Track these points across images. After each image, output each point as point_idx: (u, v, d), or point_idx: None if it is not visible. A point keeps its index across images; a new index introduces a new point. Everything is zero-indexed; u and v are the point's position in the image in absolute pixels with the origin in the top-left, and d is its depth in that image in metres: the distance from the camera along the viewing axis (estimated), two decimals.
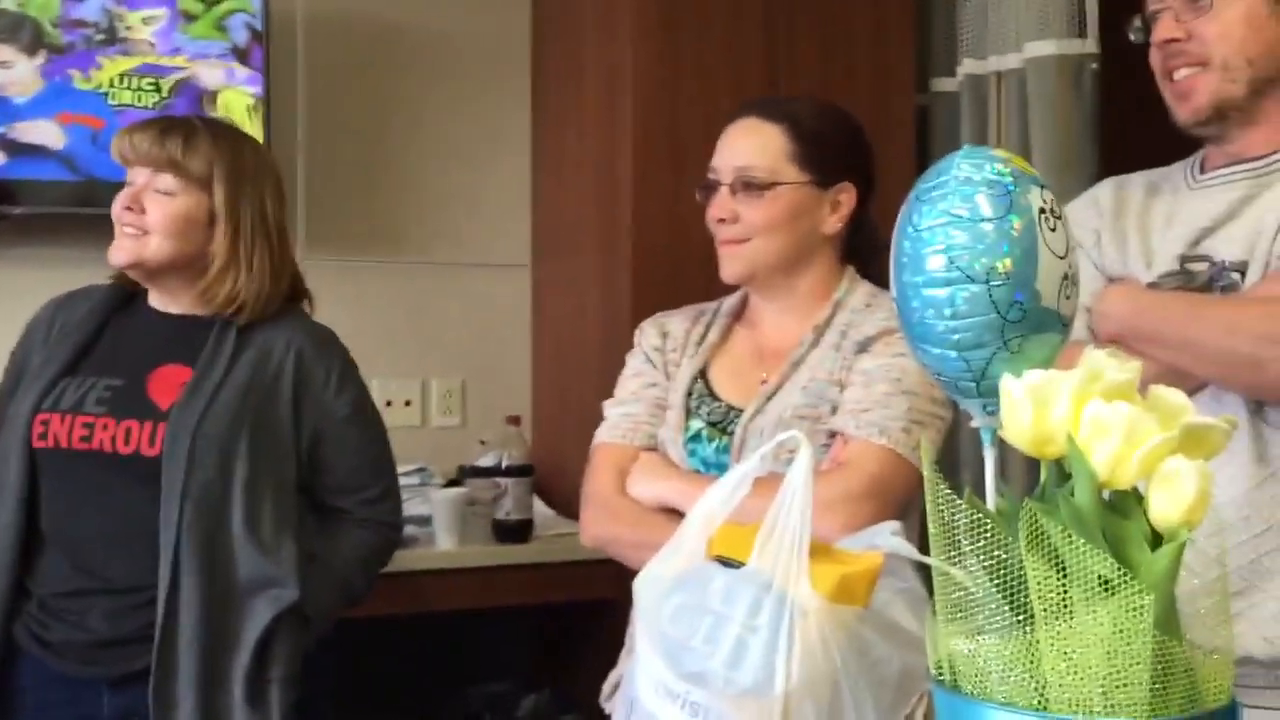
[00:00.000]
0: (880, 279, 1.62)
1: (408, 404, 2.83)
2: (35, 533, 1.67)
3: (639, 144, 2.57)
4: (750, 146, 1.61)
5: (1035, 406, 0.82)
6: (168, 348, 1.73)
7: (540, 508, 2.61)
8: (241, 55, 2.56)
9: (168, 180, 1.70)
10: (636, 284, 2.54)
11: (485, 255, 2.94)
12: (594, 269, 2.74)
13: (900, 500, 1.48)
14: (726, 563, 1.01)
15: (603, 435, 1.67)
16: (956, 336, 0.86)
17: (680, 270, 2.37)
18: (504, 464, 2.49)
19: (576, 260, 2.81)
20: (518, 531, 2.49)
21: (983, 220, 0.86)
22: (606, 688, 1.64)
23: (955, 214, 0.87)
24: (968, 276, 0.85)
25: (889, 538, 1.05)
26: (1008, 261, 0.84)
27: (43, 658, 1.65)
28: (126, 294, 1.80)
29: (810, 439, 1.04)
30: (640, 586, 1.07)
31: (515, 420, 2.56)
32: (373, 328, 2.71)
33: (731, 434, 1.57)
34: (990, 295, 0.85)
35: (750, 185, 1.59)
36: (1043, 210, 0.87)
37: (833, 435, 1.53)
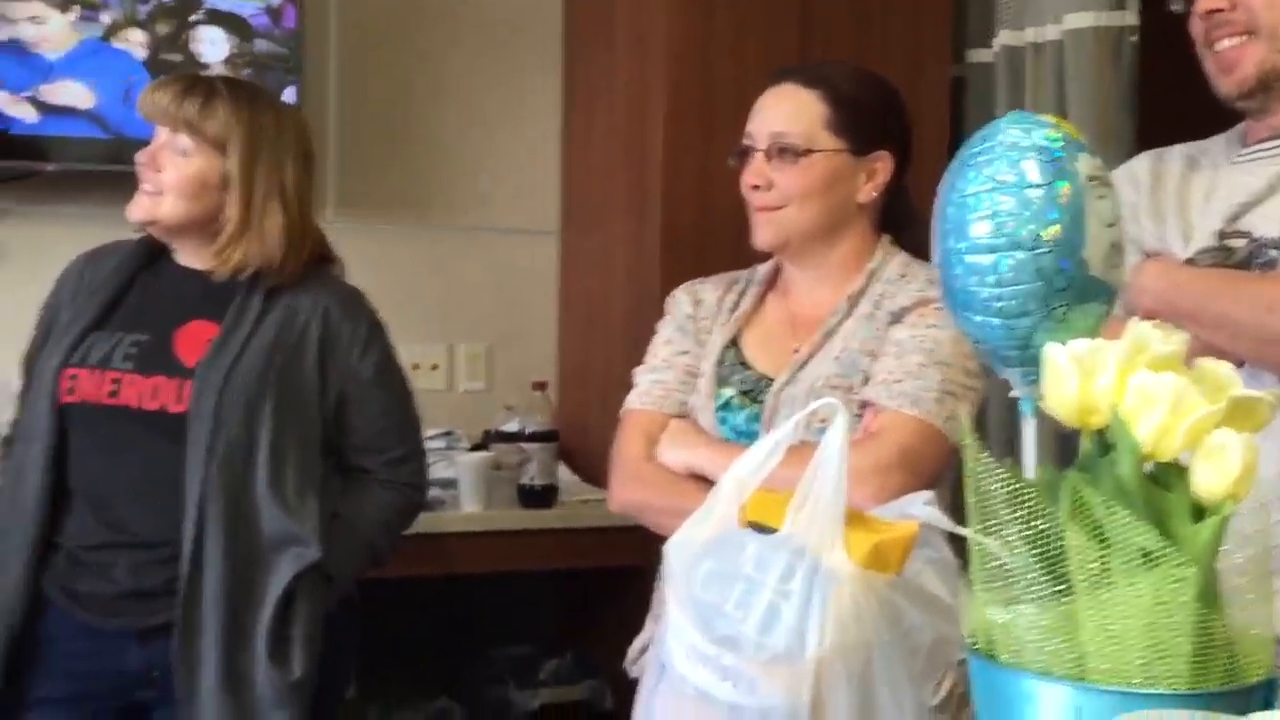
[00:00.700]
0: (916, 249, 1.61)
1: (434, 368, 2.84)
2: (63, 487, 1.68)
3: (670, 111, 2.56)
4: (787, 112, 1.59)
5: (1080, 375, 0.81)
6: (194, 304, 1.73)
7: (565, 473, 2.62)
8: (274, 15, 2.55)
9: (184, 141, 1.70)
10: (665, 251, 2.53)
11: (513, 221, 2.93)
12: (623, 236, 2.73)
13: (931, 472, 1.47)
14: (760, 529, 1.00)
15: (633, 401, 1.67)
16: (1000, 304, 0.86)
17: (710, 238, 2.36)
18: (529, 429, 2.49)
19: (605, 227, 2.80)
20: (542, 496, 2.50)
21: (1030, 186, 0.84)
22: (632, 652, 1.64)
23: (1002, 180, 0.85)
24: (1014, 243, 0.84)
25: (922, 508, 1.05)
26: (1055, 228, 0.83)
27: (70, 609, 1.66)
28: (154, 250, 1.80)
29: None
30: (672, 551, 1.06)
31: (541, 386, 2.56)
32: (400, 292, 2.70)
33: (762, 403, 1.57)
34: (1036, 263, 0.84)
35: (785, 151, 1.58)
36: (1091, 178, 0.85)
37: (864, 406, 1.52)
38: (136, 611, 1.65)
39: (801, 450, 1.06)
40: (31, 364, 1.76)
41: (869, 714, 0.93)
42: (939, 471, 1.49)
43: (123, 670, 1.66)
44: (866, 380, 1.53)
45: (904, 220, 1.63)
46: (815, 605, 0.93)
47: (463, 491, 2.46)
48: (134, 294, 1.76)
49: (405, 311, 2.62)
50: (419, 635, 2.66)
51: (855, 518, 0.99)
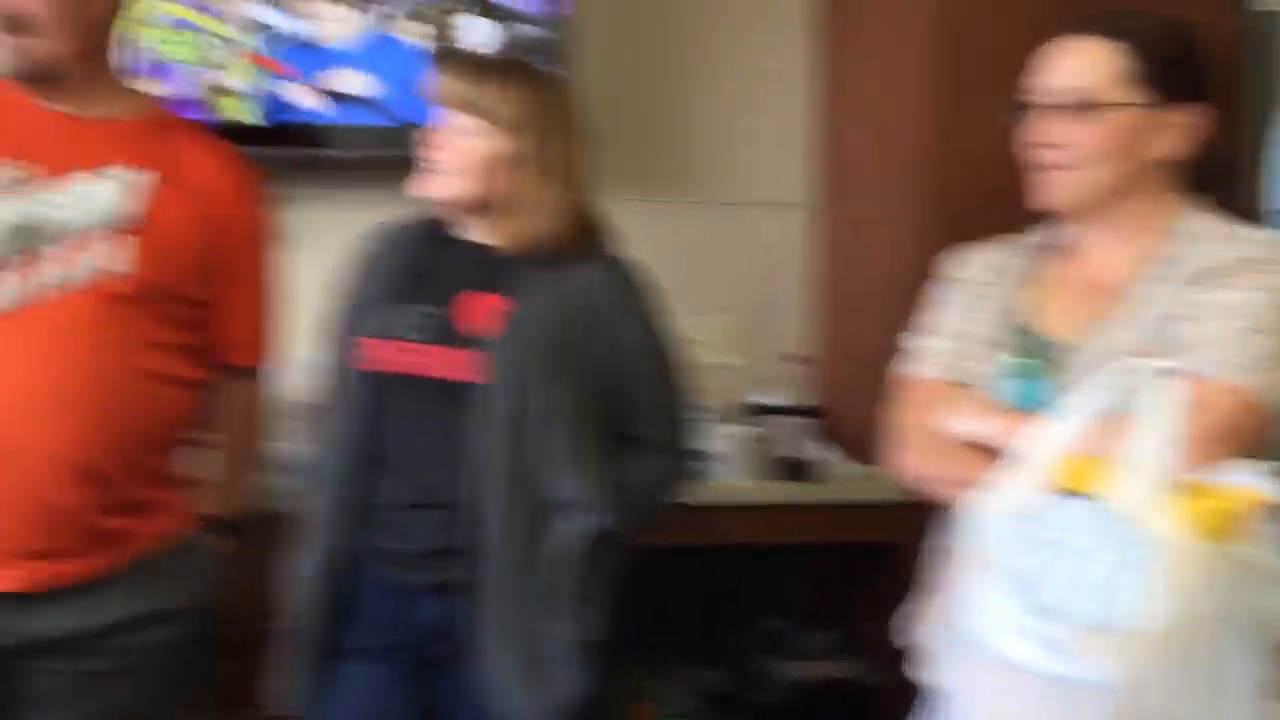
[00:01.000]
0: (1228, 208, 1.50)
1: (690, 342, 2.86)
2: (372, 451, 1.78)
3: (933, 76, 2.49)
4: (1081, 65, 1.51)
5: None
6: (480, 278, 1.80)
7: (824, 449, 2.60)
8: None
9: (471, 122, 1.77)
10: (928, 223, 2.47)
11: (766, 194, 2.94)
12: (881, 207, 2.68)
13: (1253, 445, 1.36)
14: (1078, 496, 0.97)
15: (911, 369, 1.63)
16: None
17: (974, 206, 2.28)
18: (790, 404, 2.49)
19: (864, 198, 2.76)
20: (801, 470, 2.49)
21: None
22: (905, 623, 1.60)
23: None
24: None
25: (1255, 478, 0.99)
26: None
27: (378, 567, 1.77)
28: (441, 226, 1.88)
29: None
30: (978, 520, 1.04)
31: (801, 360, 2.55)
32: (655, 265, 2.74)
33: (1053, 370, 1.50)
34: None
35: (1080, 107, 1.50)
36: None
37: (1171, 373, 1.43)
38: (434, 568, 1.73)
39: (1108, 418, 1.02)
40: (332, 336, 1.88)
41: (1205, 690, 0.89)
42: (1261, 445, 1.38)
43: (418, 625, 1.75)
44: (1167, 348, 1.44)
45: (1213, 178, 1.53)
46: (1149, 576, 0.88)
47: (722, 464, 2.48)
48: (423, 268, 1.85)
49: (661, 285, 2.66)
50: (680, 604, 2.71)
51: (1188, 486, 0.93)
